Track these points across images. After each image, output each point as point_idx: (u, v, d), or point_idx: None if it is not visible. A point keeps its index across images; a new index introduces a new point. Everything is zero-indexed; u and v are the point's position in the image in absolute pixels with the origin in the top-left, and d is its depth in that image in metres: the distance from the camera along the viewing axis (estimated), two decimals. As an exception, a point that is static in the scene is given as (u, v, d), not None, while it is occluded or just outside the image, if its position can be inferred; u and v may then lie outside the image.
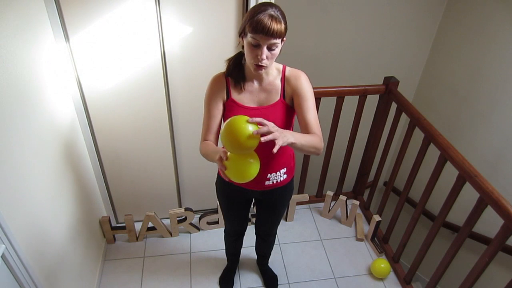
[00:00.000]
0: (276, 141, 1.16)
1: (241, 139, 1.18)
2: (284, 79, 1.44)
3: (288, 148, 1.59)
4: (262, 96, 1.45)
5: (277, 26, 1.23)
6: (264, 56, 1.28)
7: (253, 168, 1.28)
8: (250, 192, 1.69)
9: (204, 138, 1.50)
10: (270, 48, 1.28)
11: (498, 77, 2.48)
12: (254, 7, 1.27)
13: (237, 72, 1.44)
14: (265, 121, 1.20)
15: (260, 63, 1.29)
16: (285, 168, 1.62)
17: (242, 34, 1.30)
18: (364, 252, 2.55)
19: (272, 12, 1.23)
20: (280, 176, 1.62)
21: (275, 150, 1.14)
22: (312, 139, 1.34)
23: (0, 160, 1.27)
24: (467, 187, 1.76)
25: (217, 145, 1.49)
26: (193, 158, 2.40)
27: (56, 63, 1.79)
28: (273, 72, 1.45)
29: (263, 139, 1.16)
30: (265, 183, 1.61)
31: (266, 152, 1.52)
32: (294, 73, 1.45)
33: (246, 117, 1.21)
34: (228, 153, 1.26)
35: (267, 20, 1.21)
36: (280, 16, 1.24)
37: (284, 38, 1.31)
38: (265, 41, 1.25)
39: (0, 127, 1.27)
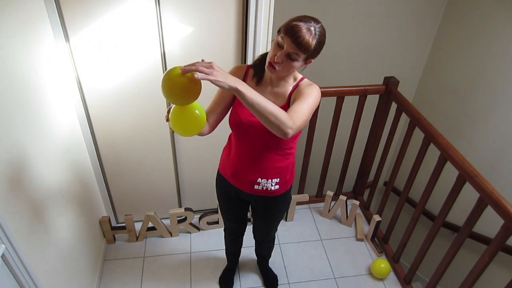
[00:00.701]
0: (210, 76, 1.06)
1: (170, 77, 1.12)
2: (296, 86, 1.43)
3: (285, 160, 1.57)
4: (271, 99, 1.45)
5: (307, 39, 1.22)
6: (279, 59, 1.27)
7: (193, 118, 1.25)
8: (242, 193, 1.68)
9: None
10: (290, 56, 1.27)
11: (498, 77, 2.48)
12: (302, 15, 1.27)
13: (260, 66, 1.45)
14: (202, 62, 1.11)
15: (273, 63, 1.29)
16: (278, 179, 1.59)
17: (279, 31, 1.30)
18: (364, 252, 2.55)
19: (312, 27, 1.23)
20: (271, 185, 1.60)
21: (199, 76, 1.05)
22: (276, 108, 1.18)
23: (0, 160, 1.27)
24: (467, 187, 1.76)
25: (211, 129, 1.50)
26: (193, 158, 2.39)
27: (56, 63, 1.79)
28: (289, 80, 1.44)
29: (184, 67, 1.08)
30: (254, 186, 1.60)
31: (257, 151, 1.52)
32: (307, 83, 1.44)
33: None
34: (174, 105, 1.26)
35: (302, 29, 1.21)
36: (317, 34, 1.24)
37: (311, 60, 1.31)
38: (289, 47, 1.24)
39: (0, 127, 1.27)
